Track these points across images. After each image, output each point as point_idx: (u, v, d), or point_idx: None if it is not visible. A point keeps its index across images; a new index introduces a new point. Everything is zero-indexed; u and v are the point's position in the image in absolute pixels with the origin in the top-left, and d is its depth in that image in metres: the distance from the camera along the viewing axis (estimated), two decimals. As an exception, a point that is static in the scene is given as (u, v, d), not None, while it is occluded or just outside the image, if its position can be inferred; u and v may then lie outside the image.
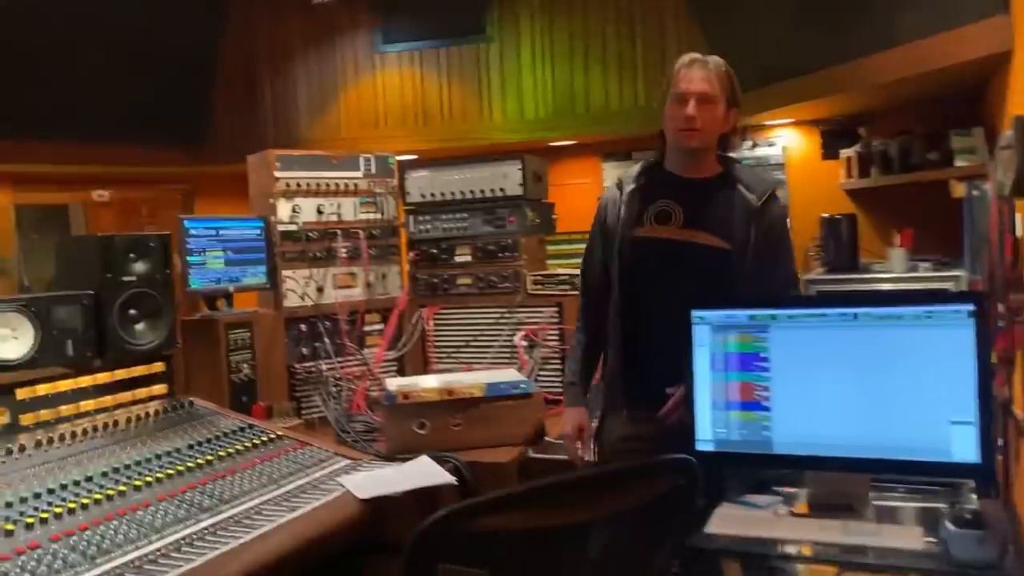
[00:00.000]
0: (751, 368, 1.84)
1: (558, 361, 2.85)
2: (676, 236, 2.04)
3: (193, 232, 2.79)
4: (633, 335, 2.10)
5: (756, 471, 1.93)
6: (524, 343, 2.85)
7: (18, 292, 4.36)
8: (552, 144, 4.24)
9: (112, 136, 3.83)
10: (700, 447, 1.87)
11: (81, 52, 3.42)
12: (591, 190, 4.27)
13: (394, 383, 2.52)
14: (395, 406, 2.37)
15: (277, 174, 2.87)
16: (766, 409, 1.82)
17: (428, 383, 2.47)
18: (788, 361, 1.81)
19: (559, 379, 2.83)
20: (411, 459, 2.25)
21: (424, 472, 2.17)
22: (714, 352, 1.86)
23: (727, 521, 1.73)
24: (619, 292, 2.10)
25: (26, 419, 2.22)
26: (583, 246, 3.85)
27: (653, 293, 2.06)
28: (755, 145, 4.32)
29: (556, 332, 2.86)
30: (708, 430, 1.87)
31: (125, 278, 2.52)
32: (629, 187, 2.11)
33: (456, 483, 2.14)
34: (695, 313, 1.88)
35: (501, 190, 3.04)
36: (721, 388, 1.86)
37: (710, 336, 1.87)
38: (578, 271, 2.96)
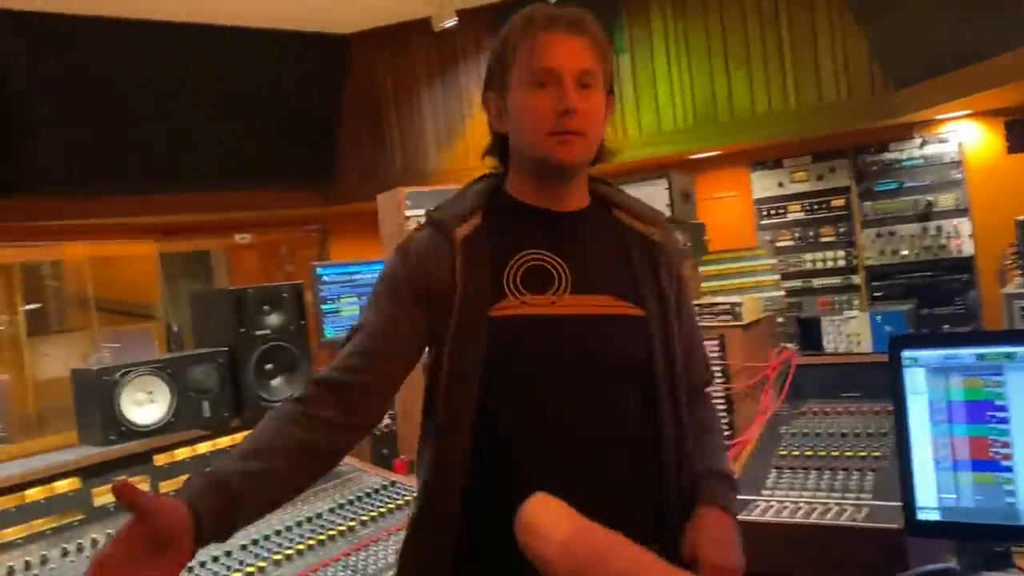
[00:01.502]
0: (984, 420, 1.49)
1: (722, 401, 2.55)
2: (565, 310, 1.26)
3: (326, 279, 2.69)
4: (491, 491, 1.21)
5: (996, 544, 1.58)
6: (682, 382, 2.55)
7: (167, 336, 4.44)
8: (693, 157, 3.94)
9: (248, 182, 3.84)
10: (922, 516, 1.54)
11: (215, 103, 3.44)
12: (739, 203, 3.94)
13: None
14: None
15: (407, 212, 2.73)
16: (1007, 470, 1.47)
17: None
18: (1034, 410, 1.46)
19: (725, 422, 2.52)
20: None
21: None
22: (933, 400, 1.53)
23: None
24: (454, 413, 1.24)
25: (165, 487, 2.15)
26: (736, 266, 3.55)
27: (532, 415, 1.23)
28: (924, 143, 3.87)
29: (719, 368, 2.55)
30: (931, 495, 1.53)
31: (259, 332, 2.43)
32: (460, 229, 1.28)
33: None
34: (906, 354, 1.55)
35: (646, 213, 2.77)
36: (945, 444, 1.52)
37: (927, 381, 1.54)
38: (737, 299, 2.66)
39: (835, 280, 3.72)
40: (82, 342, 4.71)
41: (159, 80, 3.16)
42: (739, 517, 1.97)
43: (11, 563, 1.83)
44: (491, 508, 1.18)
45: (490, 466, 1.23)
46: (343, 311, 2.71)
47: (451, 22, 3.62)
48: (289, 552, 1.93)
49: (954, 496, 1.51)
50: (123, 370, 2.15)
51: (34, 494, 1.95)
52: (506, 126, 1.32)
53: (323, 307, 2.67)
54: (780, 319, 3.15)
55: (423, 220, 1.34)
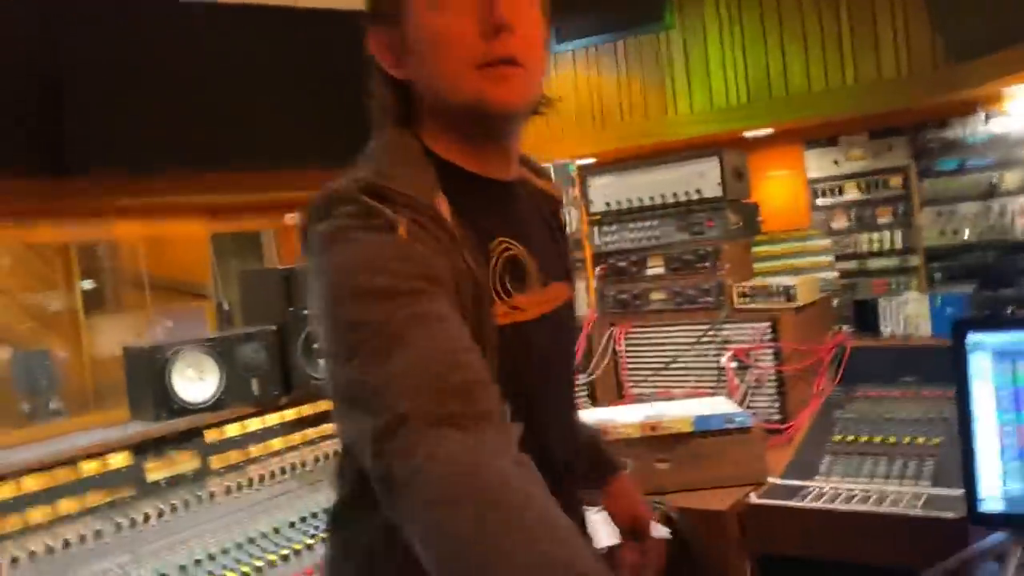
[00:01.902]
0: (1054, 407, 1.43)
1: (774, 384, 2.49)
2: (545, 307, 1.07)
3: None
4: None
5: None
6: (733, 365, 2.50)
7: (218, 316, 4.52)
8: (746, 135, 3.84)
9: (300, 162, 3.85)
10: (985, 507, 1.48)
11: (269, 82, 3.45)
12: (793, 182, 3.84)
13: (590, 416, 2.27)
14: (592, 443, 2.11)
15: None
16: (1079, 460, 1.41)
17: (628, 417, 2.20)
18: (1109, 397, 1.39)
19: (776, 406, 2.47)
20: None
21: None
22: (1000, 387, 1.47)
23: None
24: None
25: (215, 462, 2.17)
26: (790, 246, 3.46)
27: (540, 431, 1.03)
28: (988, 118, 3.72)
29: (770, 351, 2.50)
30: (996, 485, 1.47)
31: (308, 310, 2.45)
32: (446, 211, 0.95)
33: (669, 535, 1.86)
34: (971, 338, 1.48)
35: (697, 191, 2.71)
36: (1011, 432, 1.46)
37: (993, 366, 1.47)
38: (791, 281, 2.59)
39: (892, 261, 3.59)
40: (136, 320, 4.80)
41: (212, 58, 3.17)
42: (793, 503, 1.94)
43: (67, 536, 1.87)
44: None
45: None
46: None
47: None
48: (293, 548, 1.94)
49: (1020, 486, 1.45)
50: (174, 348, 2.18)
51: (89, 468, 1.99)
52: (409, 69, 0.99)
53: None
54: (835, 301, 3.07)
55: (360, 193, 0.89)
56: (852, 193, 3.99)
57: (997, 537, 1.48)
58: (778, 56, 3.68)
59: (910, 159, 4.11)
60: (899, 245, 4.06)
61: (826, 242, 3.36)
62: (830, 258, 3.35)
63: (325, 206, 0.90)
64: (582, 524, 1.26)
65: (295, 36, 3.64)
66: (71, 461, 1.95)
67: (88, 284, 4.71)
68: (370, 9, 1.02)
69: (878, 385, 2.49)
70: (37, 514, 1.87)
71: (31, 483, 1.89)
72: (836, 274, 3.32)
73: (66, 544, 1.85)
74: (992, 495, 1.47)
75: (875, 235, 3.98)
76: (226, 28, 3.43)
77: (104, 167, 3.12)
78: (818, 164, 3.83)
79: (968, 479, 1.48)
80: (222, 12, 3.33)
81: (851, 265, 3.88)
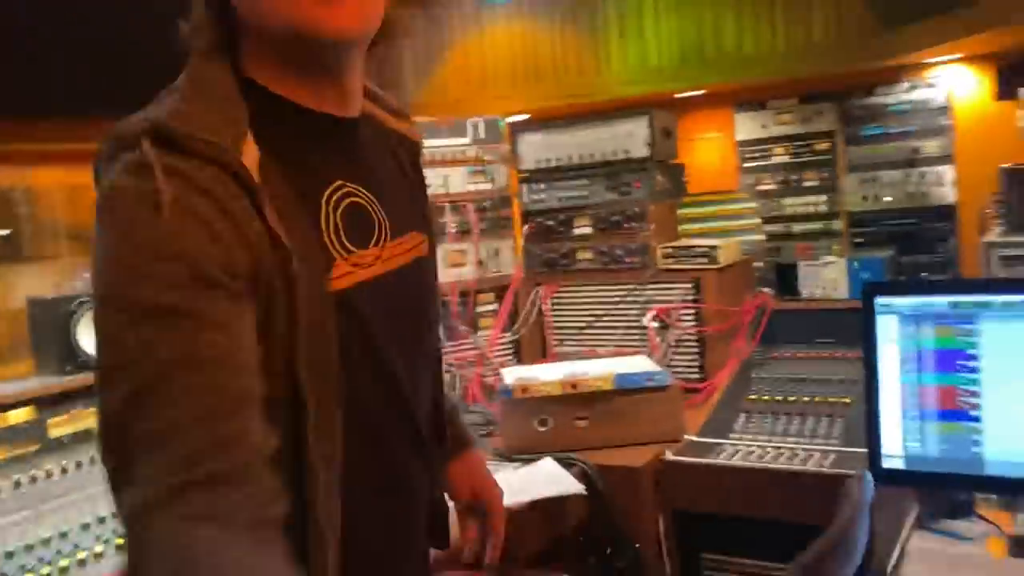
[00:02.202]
0: (954, 369, 1.47)
1: (695, 344, 2.52)
2: (395, 262, 0.97)
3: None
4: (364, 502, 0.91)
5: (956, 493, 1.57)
6: (655, 324, 2.52)
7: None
8: (677, 96, 3.85)
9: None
10: (887, 464, 1.53)
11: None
12: (722, 145, 3.88)
13: (511, 374, 2.27)
14: (513, 401, 2.11)
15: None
16: (975, 420, 1.45)
17: (549, 374, 2.20)
18: (1005, 360, 1.44)
19: (697, 365, 2.50)
20: (533, 461, 2.00)
21: (550, 478, 1.92)
22: (904, 349, 1.50)
23: (930, 560, 1.39)
24: (335, 422, 0.85)
25: (125, 418, 2.11)
26: (716, 209, 3.49)
27: (395, 390, 0.96)
28: (913, 87, 3.80)
29: (692, 312, 2.52)
30: (897, 443, 1.52)
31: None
32: (247, 157, 0.79)
33: (585, 491, 1.88)
34: (879, 301, 1.51)
35: (625, 152, 2.70)
36: (913, 393, 1.50)
37: (899, 329, 1.51)
38: (714, 242, 2.62)
39: (816, 226, 3.69)
40: (54, 271, 4.61)
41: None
42: (707, 460, 1.98)
43: (-38, 493, 1.79)
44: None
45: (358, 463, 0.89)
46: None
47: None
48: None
49: (919, 445, 1.49)
50: (80, 299, 2.09)
51: (-13, 424, 1.90)
52: None
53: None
54: (759, 264, 3.12)
55: (150, 137, 0.76)
56: (780, 156, 4.05)
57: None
58: (711, 18, 3.68)
59: (838, 124, 4.19)
60: (824, 210, 4.16)
61: (753, 205, 3.40)
62: (757, 221, 3.39)
63: (109, 151, 0.79)
64: (441, 495, 1.25)
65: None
66: (-32, 416, 1.86)
67: (2, 232, 4.50)
68: None
69: (796, 346, 2.54)
70: (-69, 471, 1.79)
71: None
72: (762, 237, 3.36)
73: (-39, 502, 1.77)
74: (894, 453, 1.51)
75: (800, 199, 4.05)
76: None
77: (18, 110, 2.97)
78: (747, 127, 3.88)
79: (872, 438, 1.53)
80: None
81: (777, 228, 3.96)
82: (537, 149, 2.87)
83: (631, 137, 2.68)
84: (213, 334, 0.73)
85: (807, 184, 3.71)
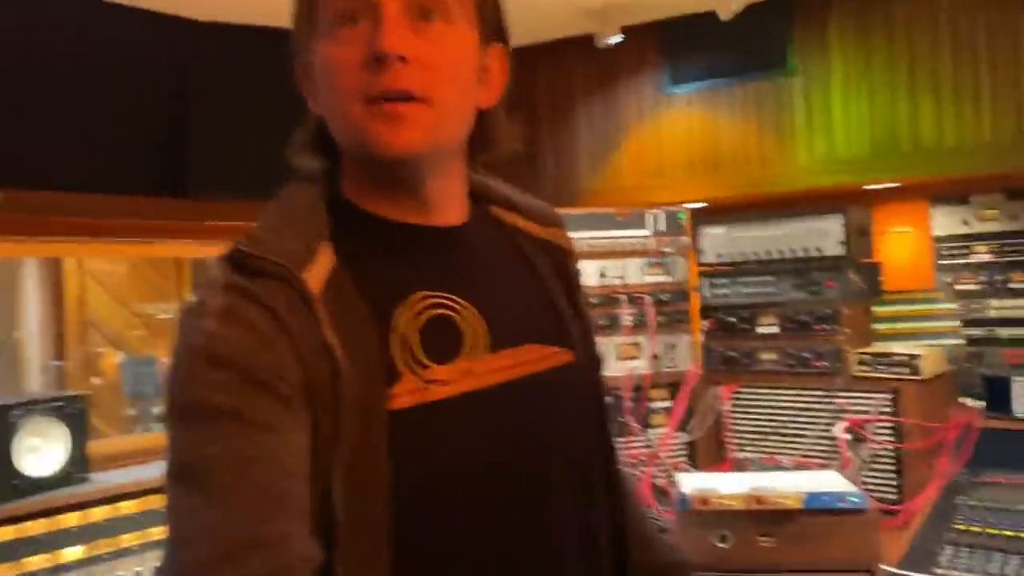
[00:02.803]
0: None
1: (891, 462, 2.32)
2: (484, 380, 0.87)
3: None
4: None
5: None
6: (848, 437, 2.34)
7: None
8: (867, 188, 3.66)
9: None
10: None
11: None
12: (915, 240, 3.62)
13: (689, 482, 2.16)
14: (691, 512, 2.00)
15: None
16: None
17: (731, 486, 2.07)
18: None
19: (893, 484, 2.29)
20: (710, 579, 1.89)
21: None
22: None
23: None
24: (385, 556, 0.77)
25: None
26: (911, 308, 3.26)
27: (470, 542, 0.84)
28: None
29: (889, 425, 2.33)
30: None
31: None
32: (314, 273, 0.81)
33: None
34: None
35: (817, 249, 2.58)
36: None
37: None
38: (916, 350, 2.42)
39: (1024, 331, 3.34)
40: None
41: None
42: (910, 598, 1.78)
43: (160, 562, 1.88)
44: None
45: None
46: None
47: (615, 39, 3.53)
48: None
49: None
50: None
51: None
52: (319, 104, 0.89)
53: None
54: (953, 368, 2.87)
55: (227, 262, 0.80)
56: (982, 255, 3.74)
57: None
58: (907, 106, 3.49)
59: (1050, 223, 3.85)
60: (1034, 314, 3.80)
61: (952, 306, 3.15)
62: (955, 323, 3.13)
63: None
64: None
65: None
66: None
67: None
68: (292, 42, 0.93)
69: (1008, 471, 2.29)
70: (128, 539, 1.89)
71: (127, 507, 1.92)
72: (962, 341, 3.10)
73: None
74: None
75: (1007, 301, 3.71)
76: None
77: (216, 192, 3.25)
78: (945, 222, 3.60)
79: None
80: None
81: (978, 332, 3.63)
82: (720, 243, 2.80)
83: (824, 234, 2.56)
84: (261, 435, 0.73)
85: (1013, 286, 3.39)
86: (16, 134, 2.56)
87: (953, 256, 3.80)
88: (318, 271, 0.80)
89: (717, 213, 3.03)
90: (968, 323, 3.21)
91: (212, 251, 4.15)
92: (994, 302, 3.71)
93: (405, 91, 0.81)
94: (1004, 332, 3.75)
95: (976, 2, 3.31)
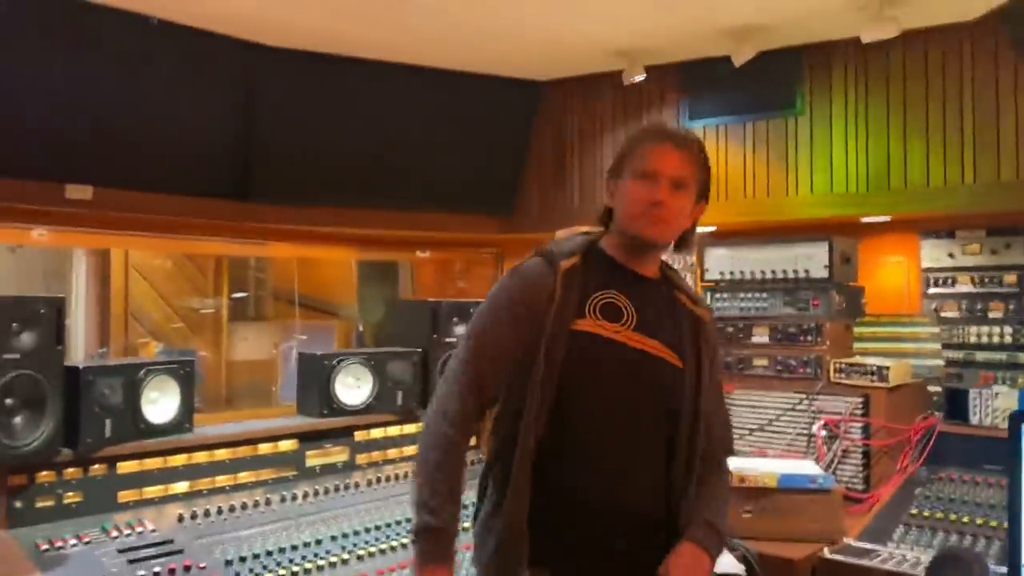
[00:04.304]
0: (1098, 498, 1.62)
1: (861, 457, 2.69)
2: (628, 340, 1.59)
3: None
4: (553, 465, 1.54)
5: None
6: (823, 433, 2.72)
7: (355, 338, 4.96)
8: (863, 220, 4.04)
9: (436, 206, 4.30)
10: (1029, 579, 1.68)
11: (414, 134, 3.91)
12: (905, 269, 4.00)
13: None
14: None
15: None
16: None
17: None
18: None
19: (860, 476, 2.67)
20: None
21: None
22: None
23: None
24: (538, 400, 1.52)
25: (360, 458, 2.57)
26: (894, 330, 3.62)
27: (591, 408, 1.56)
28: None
29: (860, 425, 2.71)
30: (1040, 561, 1.67)
31: (447, 339, 2.83)
32: (564, 263, 1.61)
33: (745, 573, 2.11)
34: (1027, 428, 1.70)
35: (806, 271, 2.96)
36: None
37: (1046, 455, 1.68)
38: (885, 363, 2.80)
39: (1001, 356, 3.68)
40: (272, 330, 5.27)
41: (371, 113, 3.68)
42: (862, 562, 2.15)
43: (244, 500, 2.29)
44: (551, 483, 1.53)
45: (555, 447, 1.53)
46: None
47: (639, 77, 3.92)
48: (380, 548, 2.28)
49: (1062, 564, 1.64)
50: (339, 357, 2.60)
51: (264, 449, 2.41)
52: (614, 203, 1.69)
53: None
54: (937, 388, 3.22)
55: (537, 252, 1.68)
56: (965, 285, 4.10)
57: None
58: (899, 148, 3.86)
59: (1027, 258, 4.21)
60: (1008, 341, 4.13)
61: (934, 329, 3.50)
62: (937, 346, 3.49)
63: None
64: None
65: (444, 97, 4.12)
66: (252, 441, 2.38)
67: (240, 295, 5.25)
68: (610, 168, 1.71)
69: (962, 469, 2.65)
70: (223, 479, 2.30)
71: (221, 454, 2.33)
72: (941, 362, 3.45)
73: (244, 506, 2.27)
74: (1036, 570, 1.66)
75: (985, 328, 4.07)
76: (386, 87, 3.94)
77: (273, 197, 3.64)
78: (933, 254, 3.97)
79: (1012, 553, 1.69)
80: (384, 72, 3.85)
81: (959, 355, 3.97)
82: (721, 262, 3.18)
83: (811, 259, 2.94)
84: (503, 324, 1.58)
85: (993, 315, 3.74)
86: (105, 140, 2.91)
87: (939, 285, 4.17)
88: (566, 264, 1.61)
89: (721, 236, 3.41)
90: (948, 346, 3.56)
91: (269, 251, 4.54)
92: (972, 328, 4.07)
93: (661, 218, 1.61)
94: (980, 355, 4.10)
95: (963, 57, 3.70)
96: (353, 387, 2.62)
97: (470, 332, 1.61)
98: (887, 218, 4.10)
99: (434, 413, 1.55)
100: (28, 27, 2.63)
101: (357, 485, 2.48)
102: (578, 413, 1.55)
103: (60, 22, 2.67)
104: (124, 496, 2.19)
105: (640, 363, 1.60)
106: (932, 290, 3.93)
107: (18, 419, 2.03)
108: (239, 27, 3.07)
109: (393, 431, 2.67)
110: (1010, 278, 3.98)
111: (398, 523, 2.32)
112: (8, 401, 2.01)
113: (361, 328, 5.36)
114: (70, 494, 2.12)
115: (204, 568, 2.00)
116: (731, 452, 1.81)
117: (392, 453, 2.63)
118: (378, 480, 2.53)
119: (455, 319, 2.84)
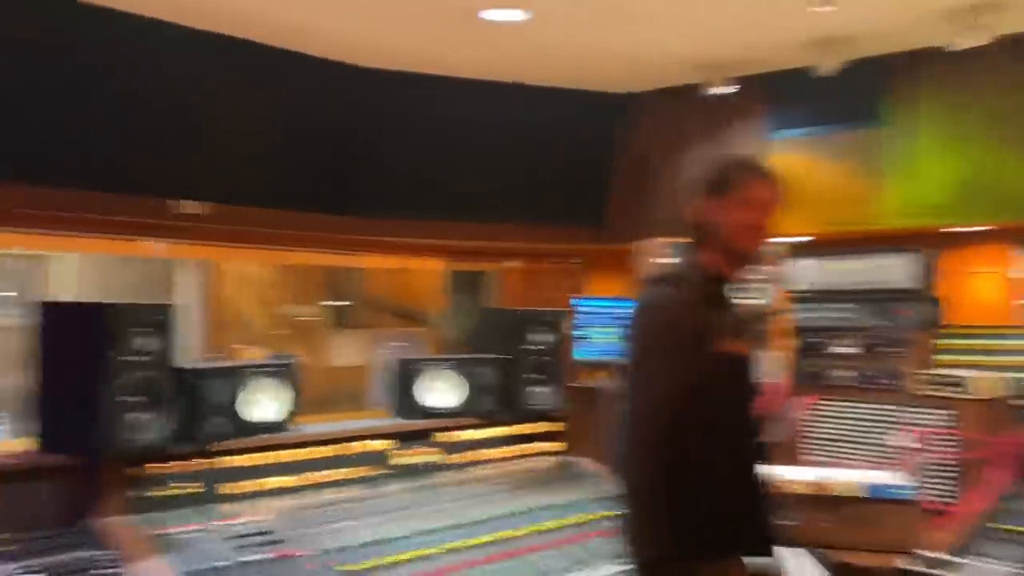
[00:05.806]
0: None
1: (949, 469, 2.66)
2: (742, 351, 1.86)
3: (581, 309, 3.18)
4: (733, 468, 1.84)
5: None
6: (911, 445, 2.70)
7: (444, 345, 5.13)
8: (951, 230, 3.95)
9: (526, 217, 4.43)
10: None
11: (502, 149, 4.08)
12: (996, 280, 3.88)
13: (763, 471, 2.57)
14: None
15: (659, 260, 3.12)
16: None
17: (798, 475, 2.48)
18: None
19: (944, 488, 2.63)
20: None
21: (800, 567, 2.19)
22: None
23: None
24: (715, 419, 1.79)
25: (448, 459, 2.70)
26: (984, 342, 3.52)
27: (732, 421, 1.86)
28: None
29: (946, 437, 2.67)
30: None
31: (532, 347, 2.95)
32: (697, 289, 1.85)
33: (821, 579, 2.14)
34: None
35: (893, 282, 2.96)
36: None
37: None
38: (966, 374, 2.76)
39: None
40: (367, 337, 5.45)
41: (461, 129, 3.85)
42: (940, 573, 2.14)
43: (339, 494, 2.45)
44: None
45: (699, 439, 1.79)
46: (592, 338, 3.18)
47: (727, 89, 3.96)
48: (536, 528, 2.38)
49: None
50: (427, 362, 2.74)
51: (358, 448, 2.57)
52: (718, 219, 1.90)
53: (575, 332, 3.16)
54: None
55: (679, 278, 1.92)
56: (1063, 296, 3.97)
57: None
58: (990, 157, 3.76)
59: None
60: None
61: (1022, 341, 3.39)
62: (1026, 358, 3.38)
63: (653, 279, 1.98)
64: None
65: (531, 113, 4.25)
66: (347, 440, 2.54)
67: (339, 303, 5.48)
68: (710, 187, 1.91)
69: (1056, 486, 2.58)
70: (319, 475, 2.47)
71: (318, 452, 2.50)
72: (1032, 374, 3.34)
73: (338, 501, 2.42)
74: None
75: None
76: (476, 104, 4.10)
77: (372, 211, 3.84)
78: (1030, 265, 3.86)
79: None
80: (475, 89, 4.01)
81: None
82: (809, 273, 3.19)
83: (900, 270, 2.93)
84: (666, 351, 1.79)
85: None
86: (219, 157, 3.14)
87: (1035, 296, 4.04)
88: (707, 291, 1.82)
89: (810, 247, 3.41)
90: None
91: (365, 261, 4.74)
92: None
93: (763, 236, 1.87)
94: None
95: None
96: (442, 391, 2.75)
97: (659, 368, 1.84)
98: (976, 229, 3.99)
99: None
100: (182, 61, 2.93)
101: (445, 484, 2.60)
102: (723, 423, 1.84)
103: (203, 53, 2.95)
104: (228, 488, 2.37)
105: (747, 369, 1.88)
106: (1025, 301, 3.84)
107: (136, 416, 2.22)
108: (340, 51, 3.26)
109: (480, 434, 2.79)
110: (1114, 290, 3.84)
111: (482, 521, 2.43)
112: (128, 399, 2.21)
113: (452, 335, 5.53)
114: (181, 485, 2.31)
115: (302, 557, 2.15)
116: None
117: (478, 454, 2.75)
118: (464, 481, 2.66)
119: (539, 327, 2.95)
